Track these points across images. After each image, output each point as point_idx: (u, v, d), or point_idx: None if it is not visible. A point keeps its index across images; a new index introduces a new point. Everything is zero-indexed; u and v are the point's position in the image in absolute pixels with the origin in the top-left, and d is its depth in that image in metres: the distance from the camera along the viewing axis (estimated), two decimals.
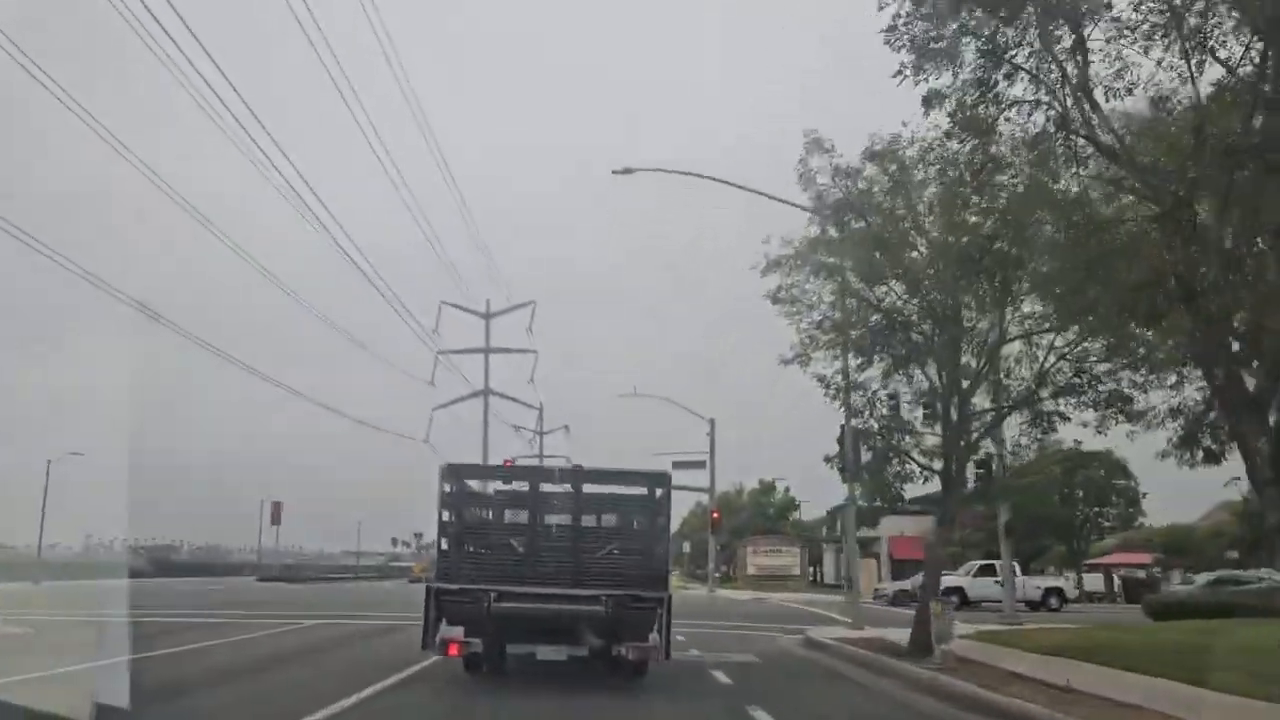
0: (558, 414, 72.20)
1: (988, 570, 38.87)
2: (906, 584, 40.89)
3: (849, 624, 22.42)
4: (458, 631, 10.72)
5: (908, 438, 15.43)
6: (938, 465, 15.13)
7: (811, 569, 62.96)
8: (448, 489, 11.54)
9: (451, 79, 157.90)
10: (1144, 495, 50.06)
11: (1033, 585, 38.23)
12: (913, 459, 15.34)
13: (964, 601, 35.87)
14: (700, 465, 50.80)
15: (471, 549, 11.92)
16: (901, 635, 16.60)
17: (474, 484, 12.81)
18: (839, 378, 15.99)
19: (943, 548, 15.04)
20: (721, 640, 19.45)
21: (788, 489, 77.77)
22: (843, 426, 16.76)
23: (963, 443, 14.63)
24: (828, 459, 17.12)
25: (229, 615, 22.06)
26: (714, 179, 22.62)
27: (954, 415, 14.42)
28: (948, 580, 41.32)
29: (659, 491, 11.97)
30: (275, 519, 53.10)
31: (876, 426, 15.65)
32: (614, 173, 21.52)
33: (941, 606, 12.37)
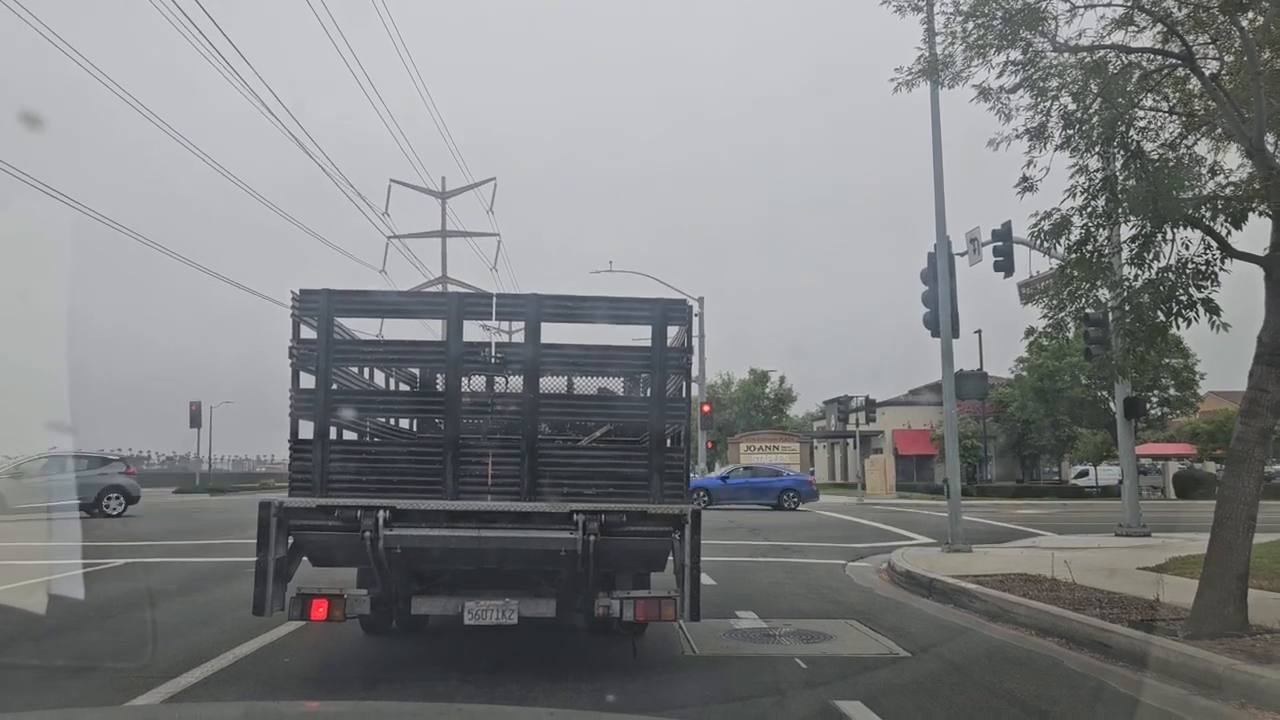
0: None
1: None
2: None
3: (943, 546, 15.77)
4: (330, 579, 6.61)
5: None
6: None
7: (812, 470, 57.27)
8: (307, 333, 6.62)
9: None
10: (1201, 376, 43.84)
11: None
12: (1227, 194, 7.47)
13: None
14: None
15: (349, 437, 7.50)
16: (1062, 568, 10.24)
17: (354, 325, 7.42)
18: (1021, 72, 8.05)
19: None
20: (762, 577, 12.78)
21: (782, 379, 71.97)
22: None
23: None
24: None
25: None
26: None
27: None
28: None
29: (675, 332, 6.90)
30: (194, 421, 46.48)
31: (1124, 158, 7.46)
32: None
33: None
